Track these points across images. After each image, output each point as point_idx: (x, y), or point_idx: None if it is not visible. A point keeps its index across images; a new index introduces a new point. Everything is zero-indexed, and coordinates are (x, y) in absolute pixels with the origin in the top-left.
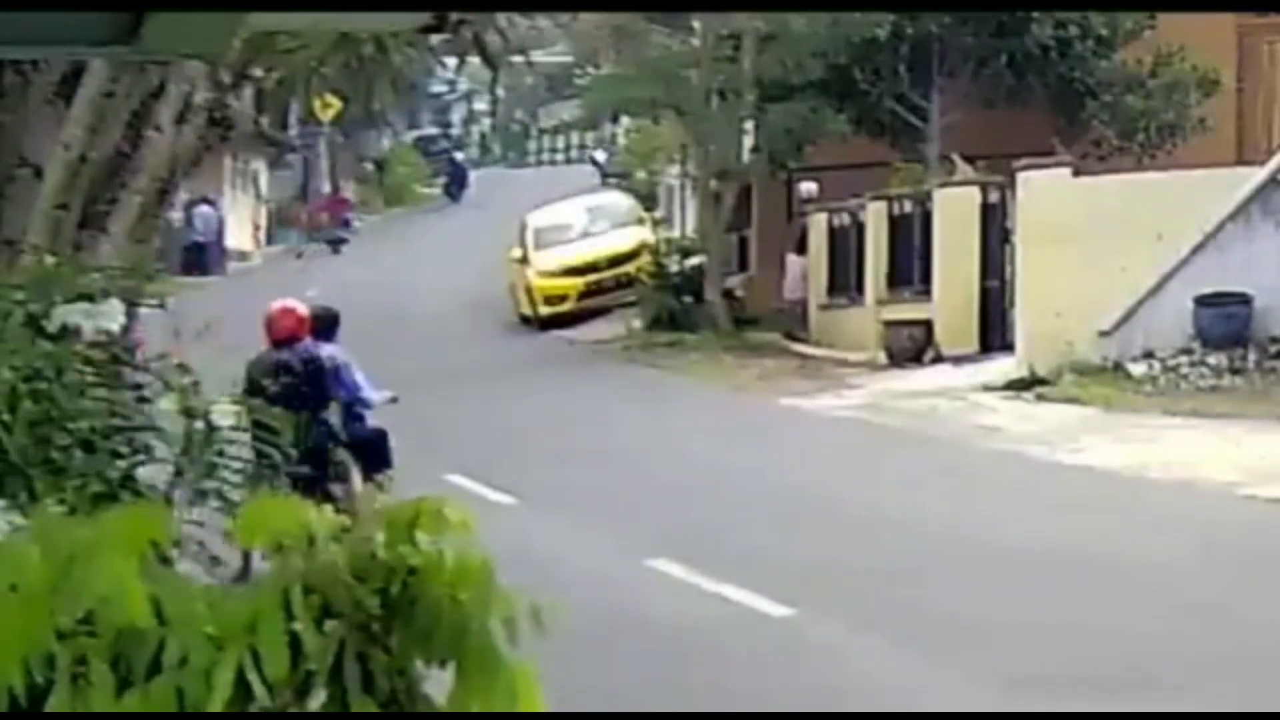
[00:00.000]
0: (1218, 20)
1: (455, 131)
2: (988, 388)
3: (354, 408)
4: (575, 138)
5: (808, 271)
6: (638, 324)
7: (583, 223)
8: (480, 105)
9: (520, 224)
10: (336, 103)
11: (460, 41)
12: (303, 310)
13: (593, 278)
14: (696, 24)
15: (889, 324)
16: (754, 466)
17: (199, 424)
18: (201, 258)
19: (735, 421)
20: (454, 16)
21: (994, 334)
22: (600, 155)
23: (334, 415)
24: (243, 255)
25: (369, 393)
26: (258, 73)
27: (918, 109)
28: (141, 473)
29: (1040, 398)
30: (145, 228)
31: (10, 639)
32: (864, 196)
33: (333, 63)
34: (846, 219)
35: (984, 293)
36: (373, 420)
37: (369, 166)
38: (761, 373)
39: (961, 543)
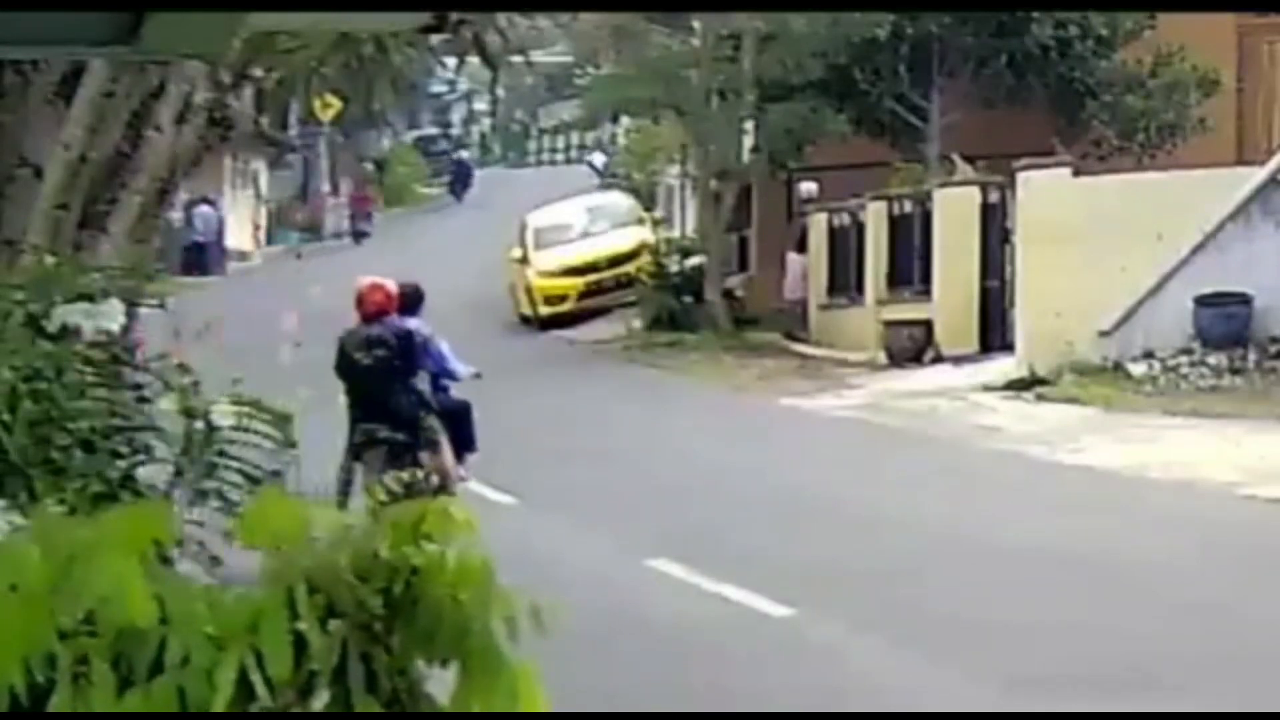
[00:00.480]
0: (1218, 20)
1: (455, 131)
2: (988, 388)
3: (439, 379)
4: (575, 138)
5: (808, 271)
6: (638, 324)
7: (583, 223)
8: (480, 105)
9: (520, 224)
10: (336, 103)
11: (460, 41)
12: (391, 286)
13: (593, 278)
14: (696, 24)
15: (889, 324)
16: (754, 466)
17: (199, 424)
18: (201, 258)
19: (735, 421)
20: (454, 16)
21: (994, 334)
22: (598, 158)
23: (423, 385)
24: (243, 255)
25: (455, 365)
26: (258, 73)
27: (918, 109)
28: (141, 473)
29: (1040, 398)
30: (145, 228)
31: (11, 639)
32: (864, 196)
33: (333, 63)
34: (846, 219)
35: (984, 293)
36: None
37: (369, 166)
38: (761, 373)
39: (961, 543)
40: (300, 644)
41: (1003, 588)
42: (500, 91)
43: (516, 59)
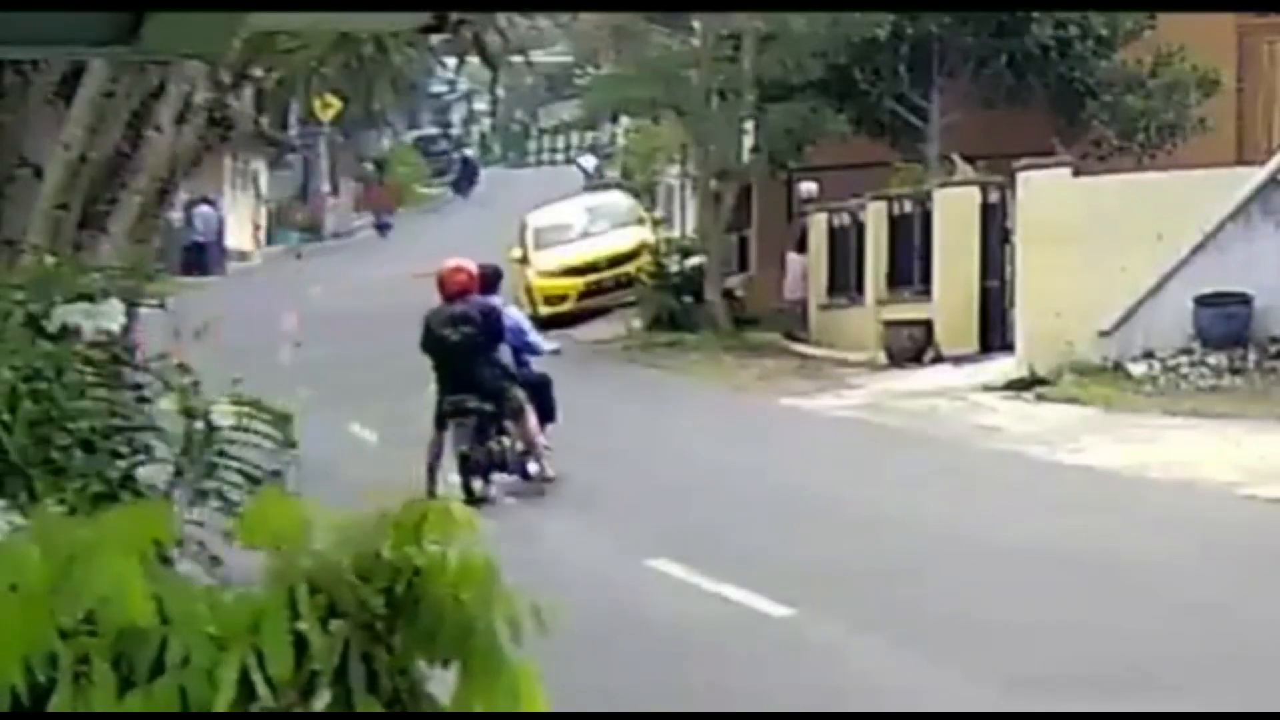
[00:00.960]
0: (1218, 20)
1: (455, 131)
2: (988, 388)
3: (520, 354)
4: (575, 138)
5: (808, 271)
6: (638, 324)
7: (582, 223)
8: (480, 105)
9: (520, 224)
10: (336, 103)
11: (460, 41)
12: (472, 268)
13: (593, 278)
14: (696, 24)
15: (889, 324)
16: (754, 466)
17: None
18: (201, 258)
19: (735, 421)
20: (454, 16)
21: (994, 334)
22: (588, 160)
23: (506, 358)
24: (242, 255)
25: (535, 339)
26: (258, 73)
27: (918, 109)
28: (141, 473)
29: (1040, 398)
30: (145, 228)
31: (11, 639)
32: (864, 196)
33: (333, 63)
34: (846, 219)
35: (984, 293)
36: (537, 365)
37: (369, 166)
38: (761, 373)
39: (961, 543)
40: (301, 644)
41: (1003, 588)
42: (500, 91)
43: (516, 59)
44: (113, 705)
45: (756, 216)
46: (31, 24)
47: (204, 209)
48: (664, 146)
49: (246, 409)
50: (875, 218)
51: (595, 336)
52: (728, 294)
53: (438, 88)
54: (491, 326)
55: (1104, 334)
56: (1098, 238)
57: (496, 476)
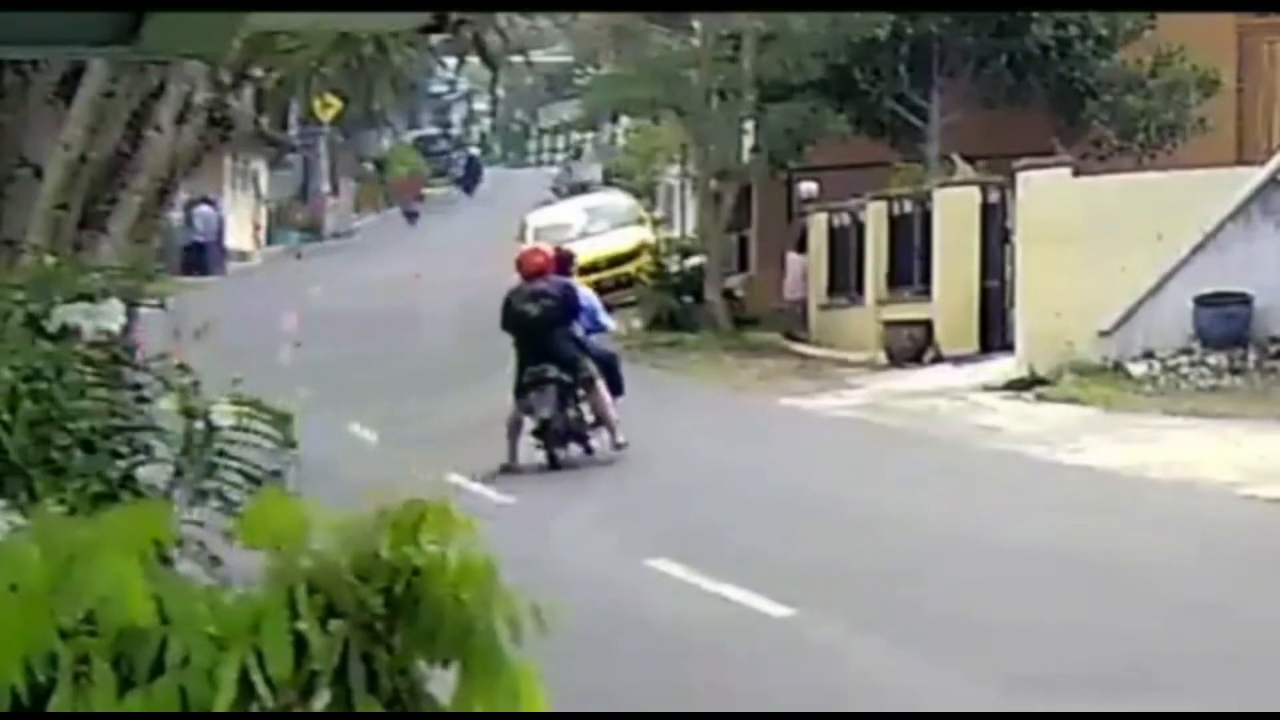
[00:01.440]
0: (1218, 20)
1: (455, 131)
2: (988, 388)
3: (589, 332)
4: (575, 138)
5: (808, 271)
6: (638, 324)
7: (582, 223)
8: (480, 105)
9: (520, 224)
10: (336, 103)
11: (460, 41)
12: (549, 251)
13: (592, 278)
14: (696, 24)
15: (889, 324)
16: (754, 466)
17: (199, 424)
18: (201, 258)
19: (735, 421)
20: (454, 16)
21: (994, 334)
22: (567, 169)
23: (579, 333)
24: (242, 255)
25: (604, 319)
26: (258, 73)
27: (918, 109)
28: (141, 473)
29: (1040, 398)
30: (145, 228)
31: (11, 639)
32: (864, 196)
33: (333, 63)
34: (846, 219)
35: (984, 293)
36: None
37: (369, 166)
38: (761, 373)
39: (961, 543)
40: (301, 644)
41: (1003, 588)
42: (500, 91)
43: (516, 59)
44: (113, 705)
45: (756, 216)
46: (31, 24)
47: (204, 209)
48: (664, 146)
49: (246, 409)
50: (875, 218)
51: None
52: (728, 294)
53: (438, 88)
54: (569, 302)
55: (1104, 334)
56: (1098, 238)
57: (572, 446)
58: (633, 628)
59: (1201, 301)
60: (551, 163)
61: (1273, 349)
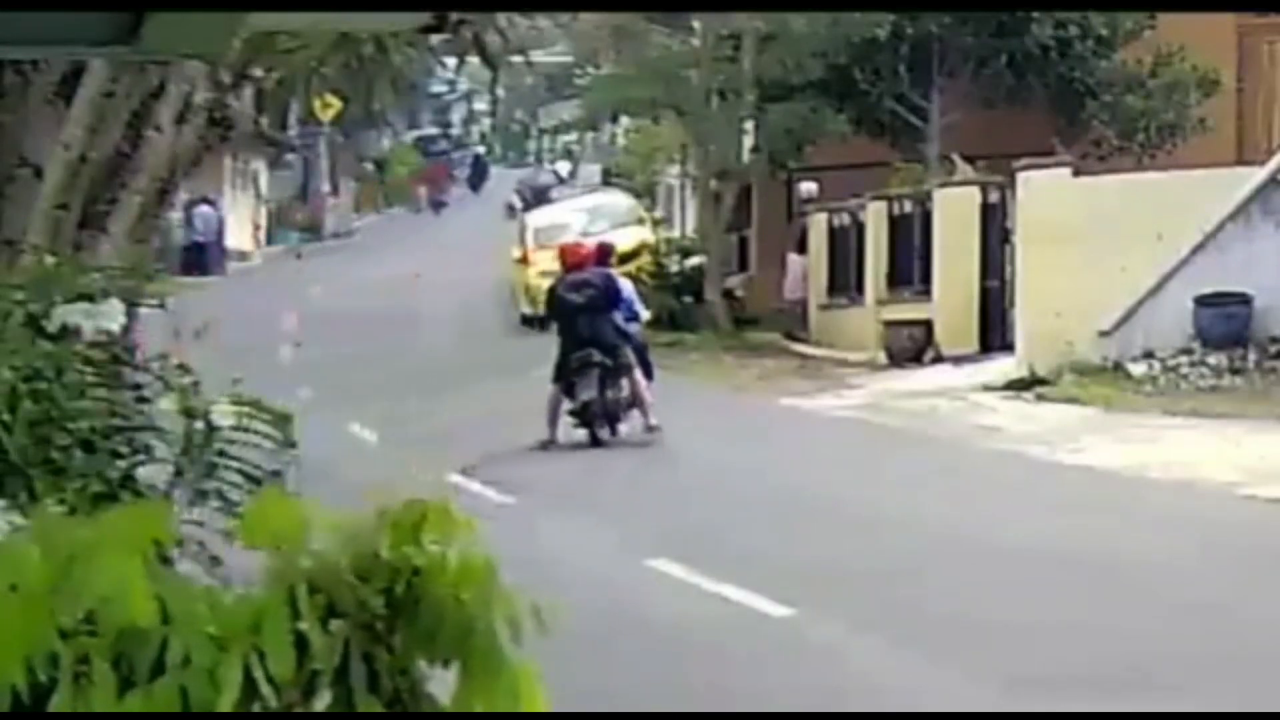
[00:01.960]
0: (1218, 20)
1: (455, 131)
2: (988, 388)
3: (628, 320)
4: (565, 139)
5: (808, 271)
6: None
7: (582, 223)
8: (480, 105)
9: (520, 224)
10: (336, 103)
11: (460, 41)
12: (590, 245)
13: None
14: (696, 24)
15: (889, 324)
16: (754, 466)
17: (199, 424)
18: (201, 258)
19: (735, 421)
20: (454, 16)
21: (994, 334)
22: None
23: (619, 321)
24: (242, 255)
25: (639, 308)
26: (258, 73)
27: (918, 109)
28: (141, 473)
29: (1040, 398)
30: (145, 228)
31: (11, 639)
32: (864, 196)
33: (333, 63)
34: (846, 219)
35: (984, 293)
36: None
37: (369, 166)
38: (761, 373)
39: (961, 543)
40: (302, 644)
41: (1003, 588)
42: (500, 91)
43: (516, 59)
44: (113, 705)
45: (756, 216)
46: (31, 24)
47: (204, 209)
48: (664, 146)
49: (246, 409)
50: (875, 218)
51: None
52: (728, 294)
53: (438, 88)
54: (610, 290)
55: (1104, 334)
56: (1098, 238)
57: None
58: (633, 628)
59: (1201, 301)
60: (552, 162)
61: (1273, 349)
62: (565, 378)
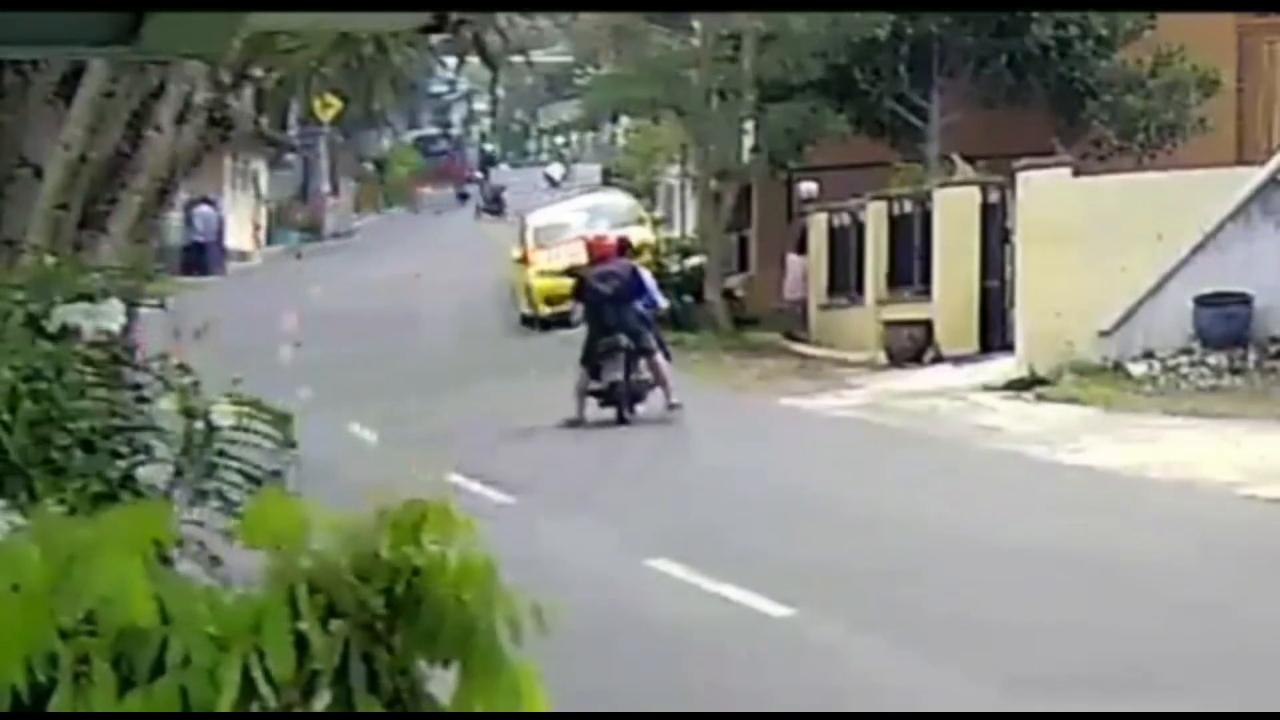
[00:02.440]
0: (1218, 20)
1: (455, 131)
2: (988, 388)
3: (648, 307)
4: (575, 137)
5: (808, 271)
6: None
7: (582, 223)
8: (480, 105)
9: (520, 224)
10: (336, 103)
11: (460, 41)
12: (614, 239)
13: None
14: (696, 24)
15: (889, 324)
16: (754, 466)
17: (199, 424)
18: (201, 258)
19: (735, 421)
20: (454, 16)
21: (994, 334)
22: (556, 169)
23: (642, 308)
24: (242, 255)
25: (657, 296)
26: (258, 73)
27: (918, 109)
28: (141, 473)
29: (1040, 398)
30: (145, 228)
31: (11, 639)
32: (864, 196)
33: (333, 63)
34: (846, 219)
35: (984, 293)
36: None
37: (369, 166)
38: (761, 373)
39: (961, 543)
40: (302, 644)
41: (1003, 588)
42: (500, 91)
43: (516, 59)
44: (113, 705)
45: (756, 216)
46: (31, 24)
47: (204, 209)
48: (664, 146)
49: (246, 409)
50: (875, 218)
51: None
52: (728, 294)
53: (438, 88)
54: (635, 280)
55: (1104, 334)
56: (1098, 238)
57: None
58: (633, 628)
59: (1201, 301)
60: (544, 164)
61: (1273, 349)
62: (593, 361)
